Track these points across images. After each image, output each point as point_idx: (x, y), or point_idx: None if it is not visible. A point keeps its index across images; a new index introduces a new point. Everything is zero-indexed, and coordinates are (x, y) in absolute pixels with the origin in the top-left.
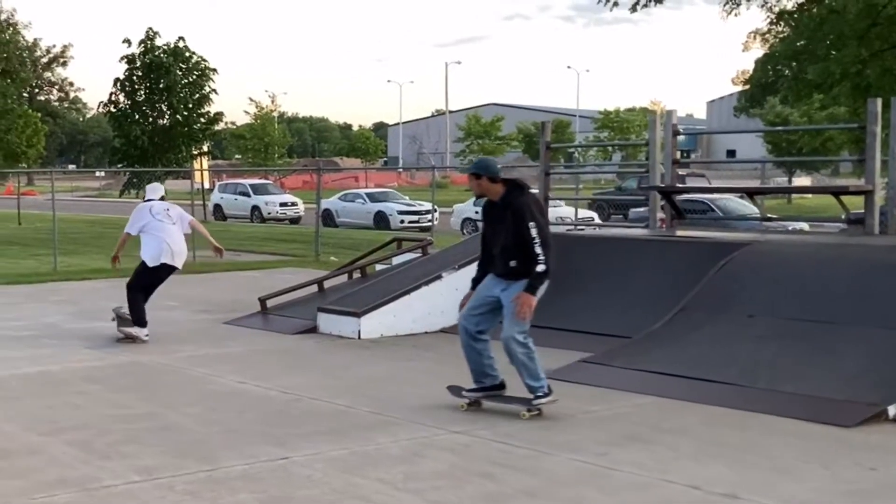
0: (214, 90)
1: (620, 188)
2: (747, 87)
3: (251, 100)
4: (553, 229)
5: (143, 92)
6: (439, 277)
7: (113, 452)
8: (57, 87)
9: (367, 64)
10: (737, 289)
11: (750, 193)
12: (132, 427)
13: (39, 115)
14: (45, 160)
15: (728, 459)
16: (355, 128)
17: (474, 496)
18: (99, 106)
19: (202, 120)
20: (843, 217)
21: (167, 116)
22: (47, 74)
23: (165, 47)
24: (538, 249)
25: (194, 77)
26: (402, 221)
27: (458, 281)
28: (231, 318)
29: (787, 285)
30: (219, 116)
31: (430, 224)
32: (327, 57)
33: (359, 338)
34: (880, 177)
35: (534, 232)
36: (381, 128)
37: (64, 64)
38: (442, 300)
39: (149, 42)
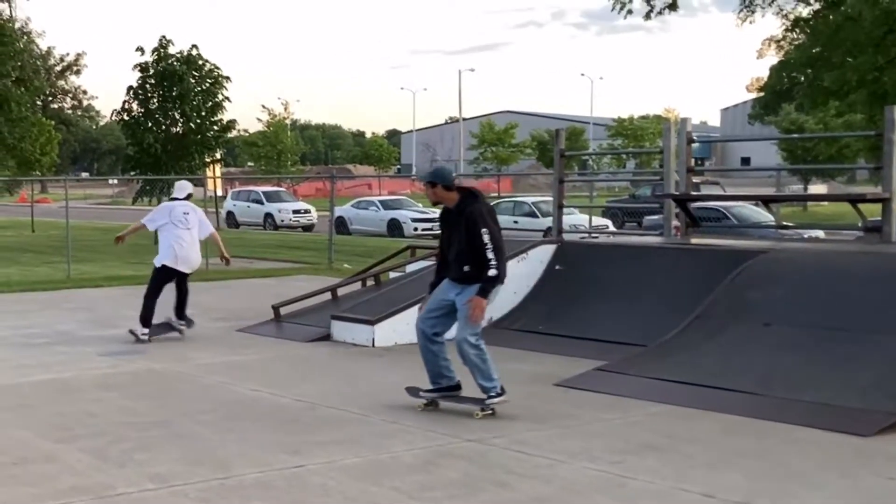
0: (227, 98)
1: (635, 196)
2: (762, 94)
3: (264, 107)
4: (567, 237)
5: (156, 100)
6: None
7: (127, 460)
8: (70, 95)
9: (381, 71)
10: (752, 297)
11: (765, 201)
12: (146, 434)
13: (53, 123)
14: (58, 168)
15: (744, 468)
16: (368, 135)
17: None
18: (112, 114)
19: (215, 127)
20: (859, 225)
21: (180, 124)
22: (61, 83)
23: (178, 55)
24: (490, 255)
25: (207, 85)
26: (415, 229)
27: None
28: (245, 325)
29: (804, 294)
30: (232, 124)
31: None
32: (340, 64)
33: (373, 345)
34: None
35: (486, 238)
36: (394, 135)
37: (77, 72)
38: None
39: (162, 50)
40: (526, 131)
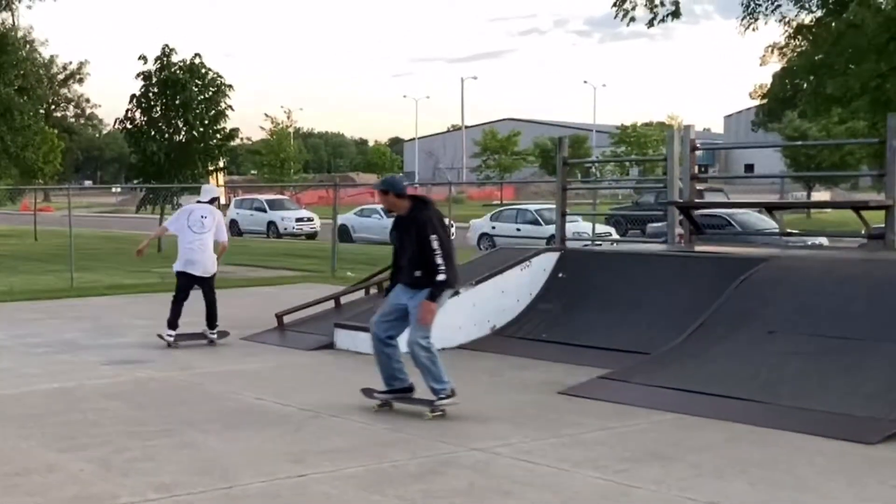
0: (230, 106)
1: (638, 203)
2: (765, 101)
3: (267, 116)
4: (571, 245)
5: (159, 108)
6: (457, 293)
7: (131, 469)
8: (73, 103)
9: (383, 79)
10: (757, 304)
11: (769, 208)
12: (150, 443)
13: (56, 131)
14: (61, 177)
15: (750, 476)
16: (371, 143)
17: None
18: (115, 122)
19: (218, 136)
20: (863, 232)
21: (183, 132)
22: (64, 91)
23: (181, 64)
24: (439, 261)
25: (210, 93)
26: None
27: (476, 296)
28: (248, 334)
29: (808, 301)
30: (235, 132)
31: None
32: (343, 73)
33: None
34: None
35: (435, 244)
36: (396, 143)
37: (80, 80)
38: (459, 316)
39: (165, 58)
40: (529, 139)
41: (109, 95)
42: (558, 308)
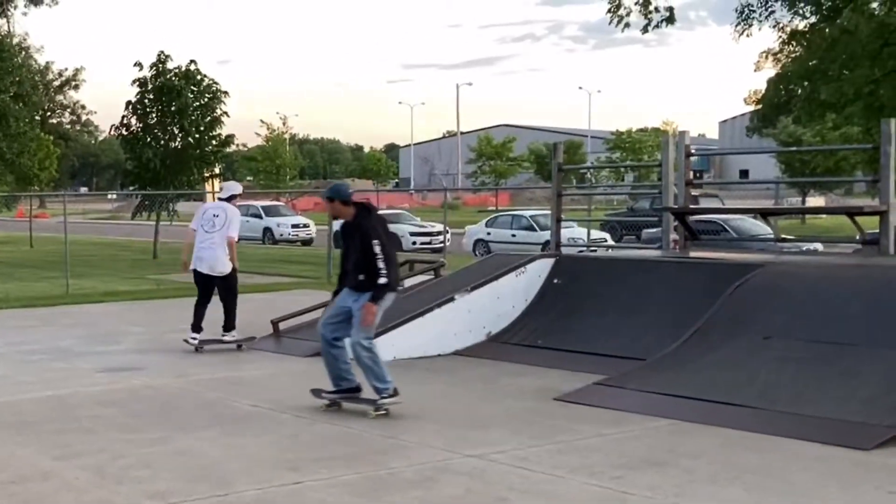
0: (226, 112)
1: (633, 209)
2: (760, 107)
3: (262, 122)
4: (566, 250)
5: (154, 115)
6: (452, 299)
7: (126, 477)
8: (69, 110)
9: (378, 86)
10: (752, 310)
11: (764, 214)
12: (145, 451)
13: (52, 137)
14: (57, 183)
15: (745, 483)
16: (367, 149)
17: None
18: (111, 129)
19: (214, 142)
20: (857, 238)
21: (179, 139)
22: (59, 97)
23: (177, 70)
24: (381, 265)
25: (206, 100)
26: (413, 243)
27: (471, 303)
28: (243, 340)
29: (803, 307)
30: (230, 139)
31: (441, 245)
32: (338, 79)
33: None
34: (895, 197)
35: (377, 249)
36: (392, 149)
37: (76, 87)
38: (455, 322)
39: (160, 65)
40: (524, 145)
41: (105, 102)
42: (555, 311)
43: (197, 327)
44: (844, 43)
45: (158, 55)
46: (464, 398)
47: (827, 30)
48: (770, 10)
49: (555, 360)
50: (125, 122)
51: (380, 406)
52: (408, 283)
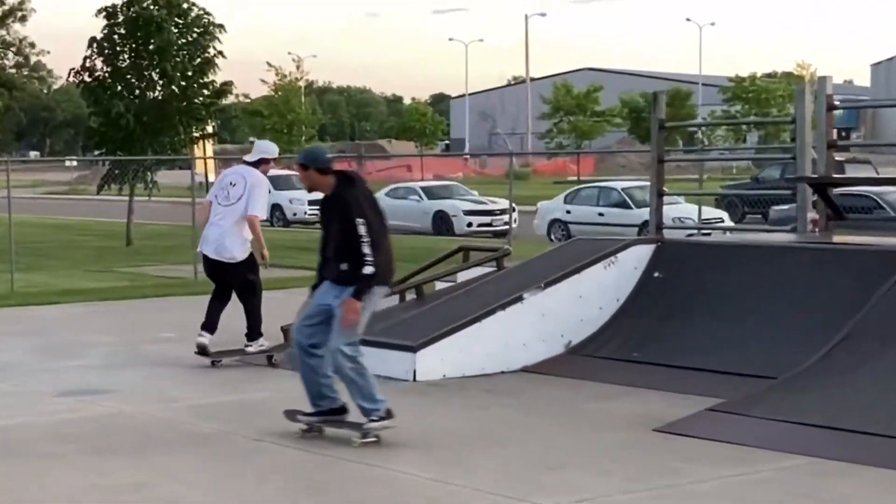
0: (221, 53)
1: (758, 179)
2: None
3: (270, 66)
4: (670, 234)
5: (126, 55)
6: (520, 300)
7: None
8: (14, 49)
9: (422, 17)
10: None
11: None
12: (116, 501)
13: None
14: None
15: None
16: (407, 101)
17: None
18: (69, 74)
19: (205, 92)
20: None
21: (159, 87)
22: (2, 33)
23: None
24: (366, 249)
25: (195, 36)
26: (469, 224)
27: (545, 303)
28: (273, 349)
29: None
30: (227, 87)
31: (506, 228)
32: (369, 9)
33: (413, 380)
34: None
35: (362, 230)
36: (441, 101)
37: (23, 19)
38: (523, 329)
39: None
40: (614, 95)
41: (62, 39)
42: (656, 314)
43: (208, 326)
44: None
45: None
46: (535, 429)
47: None
48: None
49: (655, 378)
50: (88, 65)
51: (367, 431)
52: (461, 277)
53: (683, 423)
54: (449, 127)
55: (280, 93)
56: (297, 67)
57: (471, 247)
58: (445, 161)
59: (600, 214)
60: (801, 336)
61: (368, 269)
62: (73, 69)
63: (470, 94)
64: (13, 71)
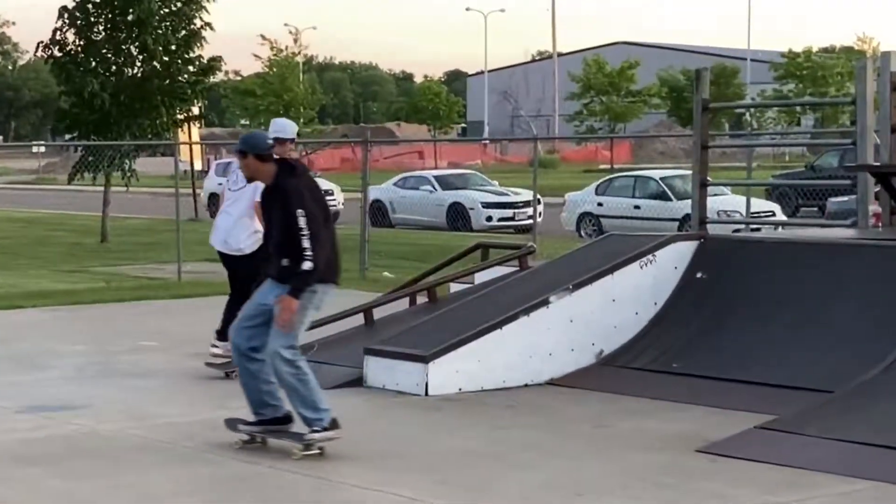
0: (209, 24)
1: (814, 167)
2: None
3: (264, 39)
4: (714, 229)
5: (102, 27)
6: (546, 304)
7: None
8: None
9: None
10: None
11: None
12: None
13: None
14: None
15: None
16: (419, 79)
17: None
18: (37, 48)
19: (190, 69)
20: None
21: (139, 64)
22: None
23: None
24: (306, 243)
25: (179, 5)
26: (489, 218)
27: (574, 308)
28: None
29: None
30: (215, 64)
31: (530, 222)
32: None
33: (425, 394)
34: None
35: (302, 222)
36: (457, 79)
37: None
38: (550, 337)
39: None
40: (651, 72)
41: (27, 8)
42: (698, 320)
43: (224, 333)
44: None
45: None
46: (563, 449)
47: None
48: None
49: (698, 392)
50: (58, 37)
51: (310, 443)
52: (479, 277)
53: (729, 443)
54: (465, 108)
55: (275, 70)
56: (295, 41)
57: (490, 244)
58: (462, 147)
59: (636, 207)
60: (862, 345)
61: (307, 265)
62: (42, 42)
63: (489, 72)
64: None
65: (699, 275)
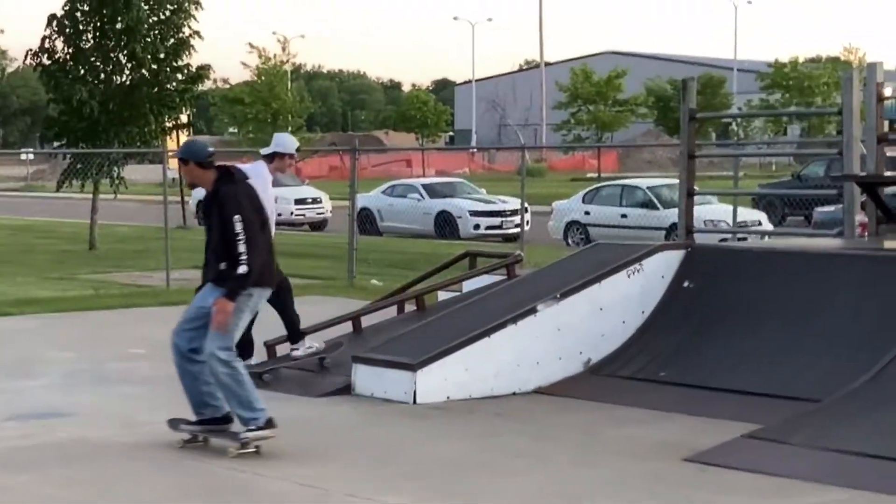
0: (197, 33)
1: (800, 177)
2: None
3: (253, 47)
4: (701, 238)
5: (90, 35)
6: (533, 312)
7: None
8: None
9: None
10: None
11: None
12: None
13: None
14: None
15: None
16: (407, 88)
17: None
18: (26, 56)
19: (179, 77)
20: None
21: (127, 72)
22: None
23: None
24: (241, 248)
25: (167, 13)
26: (476, 227)
27: (562, 317)
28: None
29: None
30: (204, 72)
31: (517, 230)
32: None
33: (413, 402)
34: None
35: (238, 227)
36: (444, 88)
37: None
38: (537, 346)
39: None
40: (639, 81)
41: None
42: (686, 328)
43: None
44: None
45: None
46: (550, 459)
47: None
48: None
49: (685, 401)
50: (47, 45)
51: (245, 441)
52: (466, 286)
53: (717, 452)
54: (453, 117)
55: (263, 78)
56: (283, 49)
57: (478, 252)
58: (449, 155)
59: (623, 216)
60: (848, 354)
61: (242, 269)
62: (30, 50)
63: (477, 81)
64: None
65: (686, 284)
